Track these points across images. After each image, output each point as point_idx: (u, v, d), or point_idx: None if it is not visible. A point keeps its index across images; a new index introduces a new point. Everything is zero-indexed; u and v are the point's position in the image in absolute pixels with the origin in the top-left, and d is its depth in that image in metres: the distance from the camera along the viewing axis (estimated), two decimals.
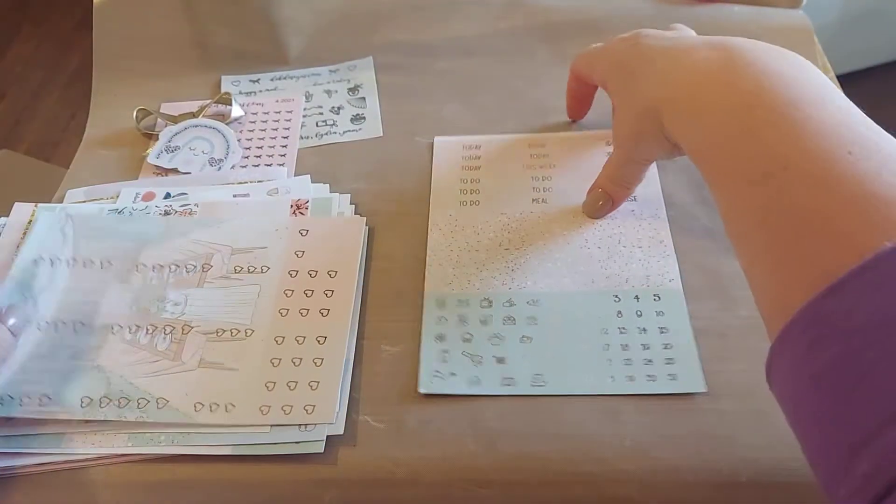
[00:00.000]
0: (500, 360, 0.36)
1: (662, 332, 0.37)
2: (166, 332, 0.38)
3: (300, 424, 0.34)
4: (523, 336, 0.37)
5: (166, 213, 0.44)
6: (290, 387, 0.36)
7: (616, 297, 0.38)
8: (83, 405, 0.35)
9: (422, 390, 0.35)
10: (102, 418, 0.35)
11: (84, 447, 0.34)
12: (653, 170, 0.43)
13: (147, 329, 0.38)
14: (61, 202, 0.47)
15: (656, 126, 0.35)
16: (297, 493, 0.34)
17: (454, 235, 0.42)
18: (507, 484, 0.33)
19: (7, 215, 0.44)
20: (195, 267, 0.41)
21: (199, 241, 0.42)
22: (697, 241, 0.41)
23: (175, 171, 0.49)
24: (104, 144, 0.52)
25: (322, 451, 0.34)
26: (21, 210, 0.44)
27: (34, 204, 0.44)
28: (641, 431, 0.34)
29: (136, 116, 0.52)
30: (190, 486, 0.34)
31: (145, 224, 0.43)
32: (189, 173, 0.48)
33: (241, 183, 0.47)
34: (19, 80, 1.49)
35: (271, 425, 0.34)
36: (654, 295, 0.38)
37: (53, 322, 0.38)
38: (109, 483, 0.34)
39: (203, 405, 0.35)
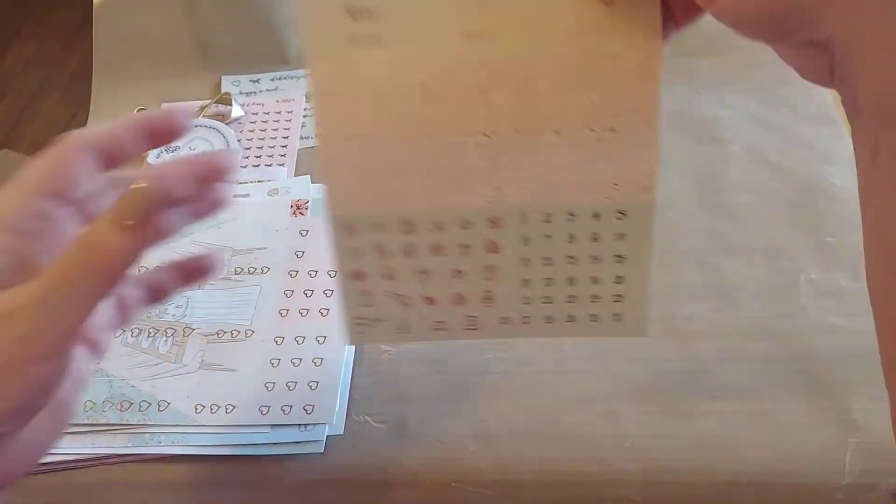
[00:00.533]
0: (431, 301, 0.29)
1: (618, 262, 0.28)
2: (168, 335, 0.38)
3: (300, 424, 0.34)
4: (455, 271, 0.28)
5: None
6: (289, 387, 0.36)
7: (570, 215, 0.27)
8: (86, 409, 0.35)
9: (349, 342, 0.30)
10: (105, 422, 0.35)
11: (84, 447, 0.34)
12: None
13: (148, 332, 0.38)
14: None
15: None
16: (297, 493, 0.34)
17: (349, 109, 0.26)
18: (507, 484, 0.33)
19: None
20: None
21: (199, 242, 0.42)
22: (699, 242, 0.41)
23: None
24: None
25: (322, 451, 0.34)
26: None
27: None
28: (642, 432, 0.34)
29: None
30: (189, 487, 0.34)
31: None
32: None
33: (241, 183, 0.47)
34: (20, 80, 1.49)
35: (271, 425, 0.34)
36: (619, 212, 0.27)
37: None
38: (109, 483, 0.34)
39: (204, 406, 0.35)
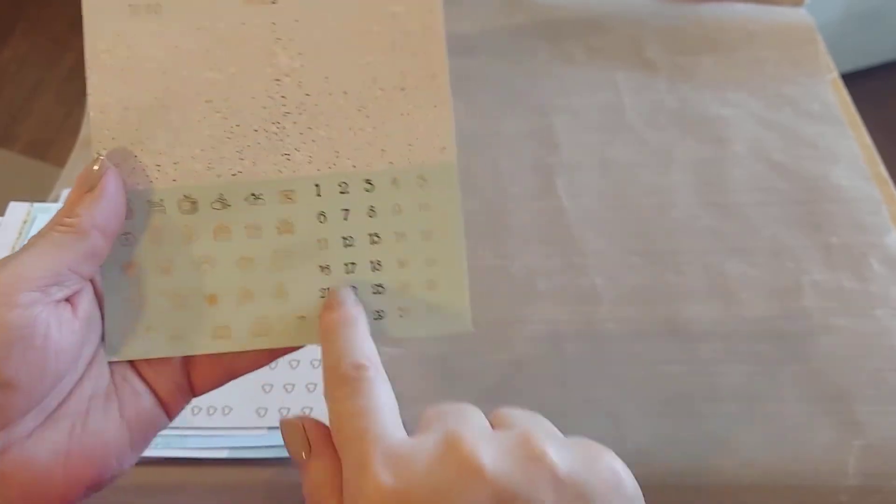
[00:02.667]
0: (212, 299, 0.25)
1: (426, 240, 0.26)
2: None
3: None
4: (241, 258, 0.25)
5: None
6: (287, 389, 0.35)
7: (368, 182, 0.25)
8: None
9: (109, 357, 0.25)
10: None
11: None
12: None
13: None
14: (56, 202, 0.46)
15: None
16: (294, 496, 0.33)
17: (126, 77, 0.25)
18: None
19: (2, 215, 0.43)
20: None
21: None
22: (701, 242, 0.41)
23: None
24: None
25: None
26: (16, 210, 0.44)
27: (30, 203, 0.44)
28: (643, 434, 0.34)
29: None
30: (186, 490, 0.34)
31: None
32: None
33: None
34: (14, 79, 1.48)
35: (268, 428, 0.34)
36: (420, 177, 0.26)
37: None
38: None
39: (200, 408, 0.35)
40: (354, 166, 0.25)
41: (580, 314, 0.39)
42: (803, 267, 0.40)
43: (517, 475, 0.18)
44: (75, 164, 0.50)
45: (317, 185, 0.25)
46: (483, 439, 0.19)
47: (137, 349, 0.25)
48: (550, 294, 0.40)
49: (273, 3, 0.25)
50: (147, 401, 0.25)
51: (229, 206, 0.25)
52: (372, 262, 0.25)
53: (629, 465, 0.33)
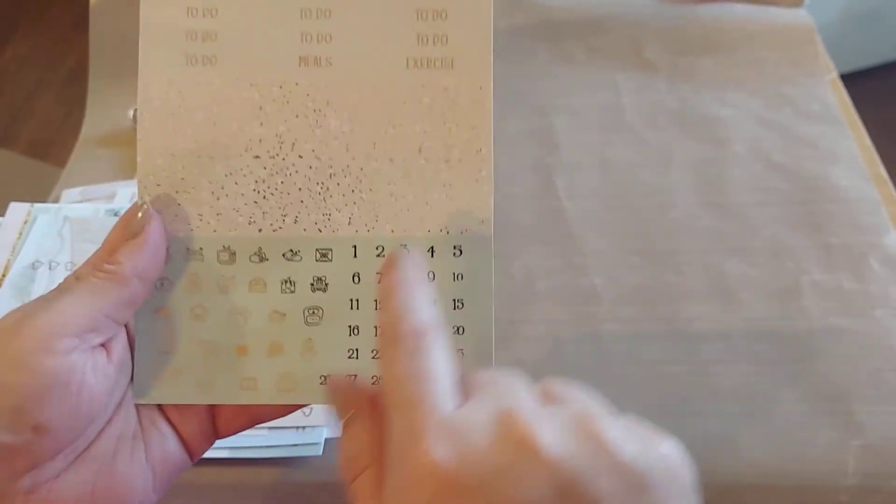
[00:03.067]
0: (242, 350, 0.26)
1: (456, 308, 0.26)
2: None
3: (297, 427, 0.34)
4: (274, 311, 0.26)
5: None
6: None
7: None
8: None
9: (137, 400, 0.25)
10: None
11: None
12: (483, 22, 0.26)
13: None
14: (57, 202, 0.46)
15: None
16: (295, 496, 0.33)
17: (176, 125, 0.26)
18: None
19: (3, 215, 0.44)
20: None
21: None
22: (701, 242, 0.41)
23: None
24: (101, 144, 0.51)
25: (321, 453, 0.33)
26: (17, 210, 0.44)
27: (30, 204, 0.44)
28: None
29: (133, 115, 0.52)
30: (185, 491, 0.34)
31: None
32: None
33: None
34: (15, 79, 1.48)
35: (268, 428, 0.34)
36: (456, 247, 0.26)
37: None
38: None
39: None
40: (393, 231, 0.26)
41: (580, 314, 0.39)
42: (803, 267, 0.40)
43: (578, 458, 0.17)
44: (75, 164, 0.50)
45: (354, 247, 0.26)
46: (540, 417, 0.18)
47: (165, 393, 0.25)
48: (550, 294, 0.40)
49: (329, 66, 0.25)
50: (172, 443, 0.25)
51: (267, 259, 0.26)
52: None
53: None
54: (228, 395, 0.26)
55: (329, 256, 0.26)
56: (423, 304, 0.22)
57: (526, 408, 0.19)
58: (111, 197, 0.46)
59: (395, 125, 0.26)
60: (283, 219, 0.26)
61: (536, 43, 0.54)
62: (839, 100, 0.49)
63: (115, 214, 0.43)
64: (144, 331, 0.26)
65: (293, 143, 0.26)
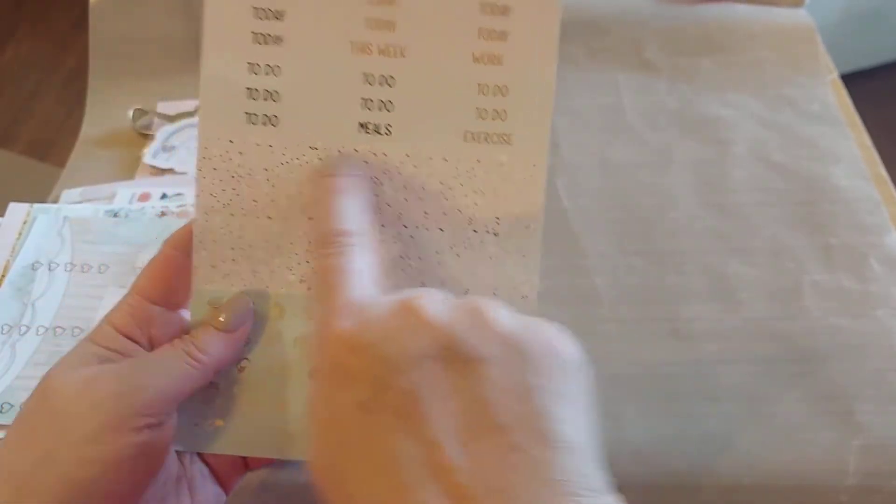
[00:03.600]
0: (282, 406, 0.26)
1: None
2: None
3: None
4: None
5: (163, 214, 0.43)
6: None
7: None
8: None
9: (175, 447, 0.26)
10: None
11: None
12: (546, 86, 0.26)
13: None
14: (56, 202, 0.46)
15: None
16: (296, 495, 0.33)
17: (235, 184, 0.26)
18: None
19: (2, 215, 0.44)
20: None
21: None
22: (702, 242, 0.41)
23: (171, 171, 0.48)
24: (100, 144, 0.51)
25: None
26: (16, 210, 0.44)
27: (30, 204, 0.44)
28: (643, 434, 0.34)
29: (133, 116, 0.52)
30: None
31: (142, 227, 0.43)
32: (186, 173, 0.48)
33: None
34: (15, 80, 1.48)
35: None
36: None
37: (52, 328, 0.38)
38: None
39: None
40: None
41: (580, 314, 0.39)
42: (803, 267, 0.40)
43: (460, 325, 0.19)
44: (75, 164, 0.50)
45: None
46: (436, 299, 0.20)
47: (207, 443, 0.26)
48: (551, 294, 0.40)
49: (388, 134, 0.26)
50: (209, 481, 0.26)
51: (312, 317, 0.25)
52: None
53: (629, 464, 0.33)
54: (265, 448, 0.26)
55: None
56: (351, 210, 0.23)
57: (427, 295, 0.20)
58: (111, 197, 0.46)
59: (448, 196, 0.26)
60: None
61: None
62: (839, 100, 0.49)
63: (115, 215, 0.43)
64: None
65: None
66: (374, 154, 0.26)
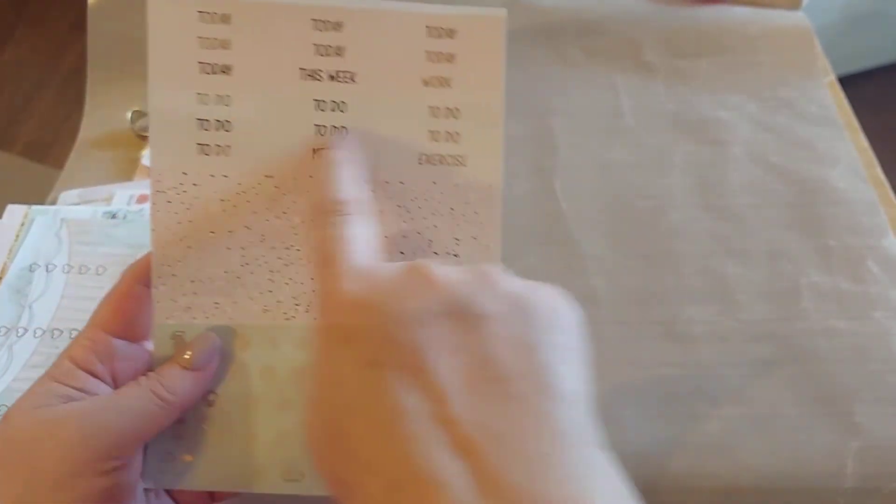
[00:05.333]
0: (251, 438, 0.26)
1: None
2: None
3: None
4: (284, 400, 0.26)
5: None
6: None
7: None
8: None
9: (144, 483, 0.25)
10: None
11: None
12: (495, 104, 0.26)
13: None
14: (54, 204, 0.46)
15: None
16: (295, 495, 0.33)
17: (191, 216, 0.26)
18: None
19: (0, 217, 0.43)
20: None
21: None
22: (699, 245, 0.41)
23: None
24: (98, 146, 0.51)
25: None
26: (14, 212, 0.44)
27: (28, 206, 0.44)
28: (641, 436, 0.34)
29: (132, 117, 0.52)
30: None
31: (140, 228, 0.43)
32: None
33: None
34: (13, 81, 1.48)
35: None
36: None
37: (49, 330, 0.38)
38: None
39: None
40: None
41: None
42: (801, 269, 0.40)
43: (465, 285, 0.20)
44: (73, 166, 0.50)
45: None
46: (443, 266, 0.20)
47: (174, 479, 0.25)
48: None
49: None
50: None
51: (278, 347, 0.26)
52: None
53: (628, 467, 0.33)
54: (235, 482, 0.26)
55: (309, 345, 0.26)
56: (348, 181, 0.23)
57: (435, 262, 0.21)
58: (109, 199, 0.45)
59: (407, 219, 0.26)
60: (295, 308, 0.26)
61: (534, 45, 0.54)
62: (837, 102, 0.49)
63: (113, 217, 0.43)
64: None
65: (308, 235, 0.26)
66: None
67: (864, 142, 0.47)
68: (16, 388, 0.35)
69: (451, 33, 0.25)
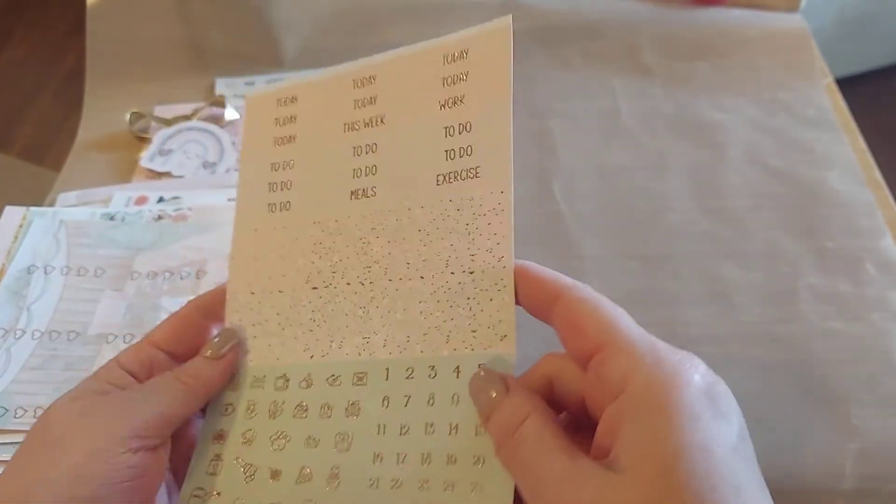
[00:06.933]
0: (276, 475, 0.26)
1: (479, 436, 0.23)
2: None
3: None
4: (310, 437, 0.26)
5: (159, 218, 0.43)
6: None
7: (432, 369, 0.25)
8: None
9: None
10: None
11: None
12: (503, 127, 0.26)
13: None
14: (53, 205, 0.46)
15: None
16: None
17: (257, 265, 0.28)
18: None
19: None
20: (190, 273, 0.40)
21: (193, 246, 0.42)
22: (697, 247, 0.41)
23: (168, 174, 0.48)
24: (97, 147, 0.51)
25: None
26: (12, 214, 0.43)
27: (26, 207, 0.44)
28: None
29: (130, 119, 0.52)
30: None
31: (138, 230, 0.43)
32: (183, 177, 0.48)
33: (235, 186, 0.46)
34: (12, 83, 1.48)
35: None
36: (480, 367, 0.24)
37: (47, 332, 0.38)
38: None
39: None
40: (422, 352, 0.26)
41: None
42: (799, 271, 0.40)
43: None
44: (71, 167, 0.50)
45: (387, 369, 0.26)
46: None
47: None
48: None
49: (374, 196, 0.27)
50: None
51: (312, 385, 0.27)
52: (423, 455, 0.24)
53: None
54: None
55: (364, 380, 0.26)
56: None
57: None
58: (107, 200, 0.45)
59: (426, 242, 0.26)
60: (330, 344, 0.27)
61: (533, 48, 0.54)
62: (834, 104, 0.49)
63: (111, 218, 0.43)
64: (201, 452, 0.27)
65: (343, 272, 0.27)
66: (364, 216, 0.27)
67: (861, 144, 0.47)
68: (14, 389, 0.35)
69: (464, 54, 0.27)
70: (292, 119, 0.29)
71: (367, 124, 0.28)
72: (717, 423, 0.19)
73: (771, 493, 0.33)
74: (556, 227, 0.43)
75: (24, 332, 0.38)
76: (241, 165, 0.30)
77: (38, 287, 0.39)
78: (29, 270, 0.40)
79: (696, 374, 0.20)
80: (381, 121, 0.27)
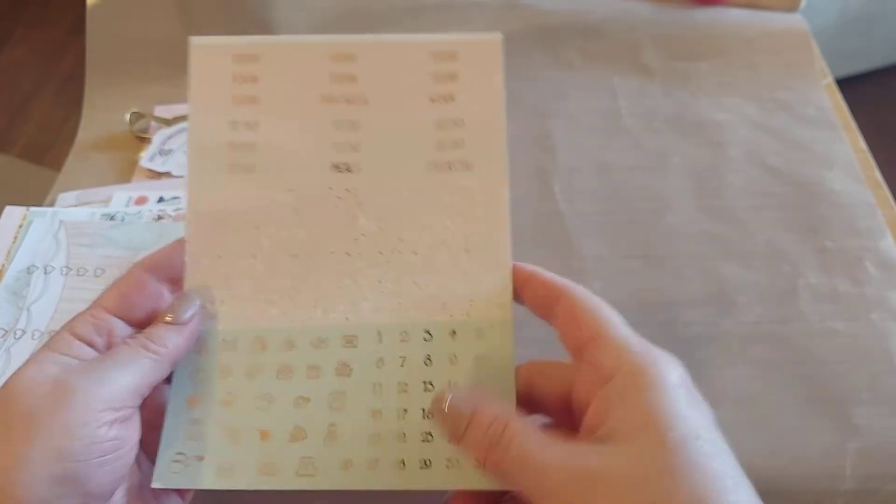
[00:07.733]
0: (264, 435, 0.26)
1: (478, 389, 0.26)
2: None
3: None
4: (299, 397, 0.26)
5: (159, 218, 0.43)
6: None
7: (427, 333, 0.27)
8: None
9: (154, 483, 0.25)
10: None
11: None
12: (496, 112, 0.28)
13: None
14: (52, 206, 0.46)
15: None
16: (295, 495, 0.33)
17: (222, 228, 0.28)
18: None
19: None
20: None
21: None
22: (697, 246, 0.41)
23: (168, 174, 0.48)
24: (97, 147, 0.51)
25: None
26: (12, 214, 0.43)
27: (26, 207, 0.44)
28: None
29: (130, 119, 0.52)
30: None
31: (138, 230, 0.43)
32: (183, 177, 0.48)
33: None
34: (12, 83, 1.48)
35: None
36: (477, 330, 0.27)
37: (47, 332, 0.38)
38: None
39: None
40: (416, 317, 0.27)
41: None
42: (799, 271, 0.40)
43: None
44: (71, 168, 0.50)
45: (379, 333, 0.27)
46: None
47: (186, 479, 0.26)
48: None
49: (358, 172, 0.28)
50: (174, 497, 0.27)
51: (295, 347, 0.27)
52: (423, 410, 0.26)
53: None
54: (247, 480, 0.26)
55: (355, 343, 0.27)
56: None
57: None
58: (107, 201, 0.45)
59: (419, 222, 0.28)
60: (313, 310, 0.27)
61: (533, 47, 0.54)
62: (834, 104, 0.49)
63: (111, 218, 0.43)
64: (174, 417, 0.27)
65: (327, 243, 0.28)
66: (348, 190, 0.28)
67: (861, 144, 0.47)
68: None
69: (452, 56, 0.28)
70: (254, 79, 0.29)
71: (348, 101, 0.28)
72: (696, 406, 0.22)
73: (771, 493, 0.33)
74: (556, 226, 0.43)
75: (23, 332, 0.38)
76: (191, 120, 0.29)
77: (38, 287, 0.39)
78: (29, 271, 0.40)
79: (675, 366, 0.23)
80: (364, 101, 0.28)
